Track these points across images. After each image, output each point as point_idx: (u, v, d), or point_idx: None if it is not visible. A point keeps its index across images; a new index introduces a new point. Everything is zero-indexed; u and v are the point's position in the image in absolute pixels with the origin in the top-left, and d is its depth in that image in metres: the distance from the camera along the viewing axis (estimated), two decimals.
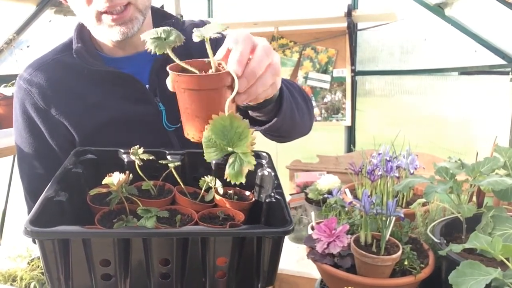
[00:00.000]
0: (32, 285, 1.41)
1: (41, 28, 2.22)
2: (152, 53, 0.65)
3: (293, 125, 0.95)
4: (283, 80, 0.91)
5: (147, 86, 1.00)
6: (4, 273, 1.44)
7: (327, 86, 2.73)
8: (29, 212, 1.03)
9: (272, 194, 0.84)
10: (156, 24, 1.01)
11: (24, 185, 1.02)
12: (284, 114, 0.86)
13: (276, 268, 0.75)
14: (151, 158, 0.83)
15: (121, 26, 0.90)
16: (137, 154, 0.84)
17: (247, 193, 0.93)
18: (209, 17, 3.00)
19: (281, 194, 0.82)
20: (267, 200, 0.85)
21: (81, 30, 0.98)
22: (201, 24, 1.14)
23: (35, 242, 1.06)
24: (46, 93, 0.96)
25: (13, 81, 1.90)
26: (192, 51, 1.07)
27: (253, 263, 0.74)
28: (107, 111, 0.98)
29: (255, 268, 0.75)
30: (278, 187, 0.85)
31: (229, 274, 0.73)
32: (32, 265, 1.49)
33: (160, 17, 1.07)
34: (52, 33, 2.26)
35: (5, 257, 1.52)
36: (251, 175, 0.95)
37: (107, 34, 0.92)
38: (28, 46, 2.08)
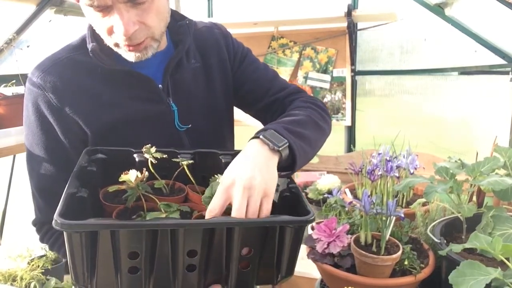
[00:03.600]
0: (32, 285, 1.40)
1: (41, 28, 2.22)
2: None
3: (308, 159, 0.97)
4: (291, 122, 0.94)
5: (160, 86, 1.01)
6: (4, 273, 1.44)
7: (327, 86, 2.73)
8: (36, 209, 1.04)
9: (287, 188, 0.86)
10: (169, 26, 1.01)
11: (33, 182, 1.02)
12: (299, 165, 0.90)
13: (296, 258, 0.77)
14: (164, 156, 0.84)
15: (136, 52, 0.92)
16: (150, 153, 0.84)
17: None
18: (209, 17, 3.00)
19: (297, 188, 0.84)
20: (282, 195, 0.87)
21: (94, 30, 0.98)
22: (214, 26, 1.15)
23: (42, 241, 1.06)
24: (61, 91, 0.96)
25: (13, 81, 1.89)
26: (207, 50, 1.09)
27: (274, 253, 0.75)
28: (120, 110, 0.98)
29: (276, 259, 0.76)
30: (291, 181, 0.87)
31: (252, 264, 0.75)
32: (32, 265, 1.48)
33: (171, 18, 1.07)
34: (53, 33, 2.26)
35: (5, 257, 1.52)
36: None
37: (123, 55, 0.94)
38: (28, 46, 2.07)
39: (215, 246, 0.72)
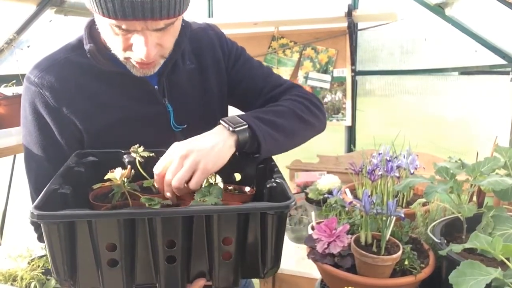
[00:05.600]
0: (32, 285, 1.41)
1: (42, 28, 2.22)
2: None
3: (283, 147, 1.00)
4: (264, 112, 0.99)
5: (156, 87, 1.01)
6: (4, 273, 1.44)
7: (327, 86, 2.73)
8: None
9: (273, 179, 0.86)
10: None
11: (31, 182, 1.03)
12: (267, 150, 0.94)
13: (281, 248, 0.77)
14: (151, 155, 0.85)
15: (144, 69, 0.94)
16: (138, 152, 0.85)
17: (247, 188, 0.95)
18: (209, 17, 3.00)
19: (281, 178, 0.84)
20: (267, 186, 0.87)
21: (91, 30, 0.98)
22: (208, 28, 1.15)
23: (40, 241, 1.06)
24: (58, 91, 0.96)
25: (13, 81, 1.89)
26: (202, 52, 1.09)
27: (258, 243, 0.75)
28: (116, 110, 0.99)
29: (260, 250, 0.76)
30: (277, 172, 0.87)
31: (235, 255, 0.74)
32: (33, 265, 1.48)
33: None
34: (53, 33, 2.26)
35: (5, 257, 1.52)
36: (250, 169, 0.96)
37: (129, 68, 0.95)
38: (28, 46, 2.07)
39: (195, 236, 0.72)
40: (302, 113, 1.04)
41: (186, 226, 0.70)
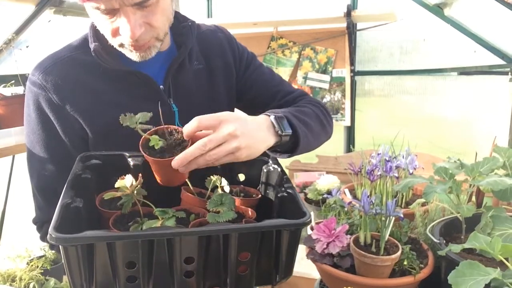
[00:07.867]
0: (31, 285, 1.41)
1: (41, 28, 2.22)
2: None
3: (310, 148, 1.03)
4: (299, 111, 1.00)
5: (161, 86, 1.01)
6: (3, 273, 1.44)
7: (326, 86, 2.73)
8: (36, 207, 1.03)
9: (283, 188, 0.86)
10: (172, 27, 1.01)
11: (33, 181, 1.02)
12: (300, 150, 0.96)
13: (294, 259, 0.78)
14: (149, 127, 0.84)
15: (140, 52, 0.93)
16: (134, 123, 0.83)
17: (252, 190, 0.95)
18: (208, 17, 3.00)
19: (293, 188, 0.85)
20: (278, 195, 0.87)
21: (96, 29, 0.98)
22: (217, 30, 1.15)
23: (43, 240, 1.06)
24: (62, 89, 0.96)
25: (12, 81, 1.89)
26: (211, 53, 1.09)
27: (272, 255, 0.76)
28: (120, 109, 0.98)
29: (273, 261, 0.77)
30: (287, 181, 0.87)
31: (251, 268, 0.75)
32: (32, 265, 1.48)
33: (174, 19, 1.07)
34: (52, 33, 2.26)
35: (4, 257, 1.52)
36: (256, 172, 0.96)
37: (127, 54, 0.95)
38: (27, 46, 2.07)
39: (212, 252, 0.72)
40: (323, 118, 1.08)
41: (204, 243, 0.71)
